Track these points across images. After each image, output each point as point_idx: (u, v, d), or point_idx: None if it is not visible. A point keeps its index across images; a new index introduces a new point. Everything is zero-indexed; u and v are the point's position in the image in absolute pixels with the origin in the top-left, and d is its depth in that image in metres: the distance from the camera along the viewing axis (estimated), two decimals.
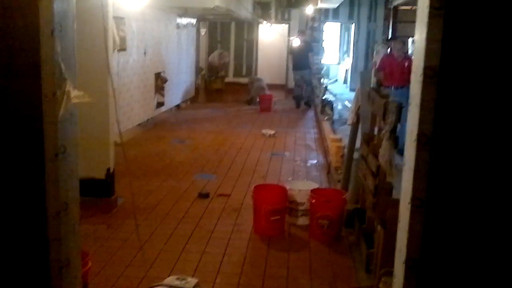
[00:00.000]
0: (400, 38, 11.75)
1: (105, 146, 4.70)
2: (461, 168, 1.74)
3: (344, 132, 7.67)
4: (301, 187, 4.75)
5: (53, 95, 1.80)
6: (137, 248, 4.07)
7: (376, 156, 3.65)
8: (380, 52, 11.42)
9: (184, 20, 11.66)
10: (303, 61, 12.57)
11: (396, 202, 2.15)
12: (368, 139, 4.23)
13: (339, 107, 12.28)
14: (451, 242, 1.76)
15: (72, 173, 1.96)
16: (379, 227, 3.48)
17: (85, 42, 4.49)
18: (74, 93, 1.85)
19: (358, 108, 4.97)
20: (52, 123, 1.81)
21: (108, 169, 4.76)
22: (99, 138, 4.69)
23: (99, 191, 4.73)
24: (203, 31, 15.99)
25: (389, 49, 11.39)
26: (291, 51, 13.26)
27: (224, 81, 15.96)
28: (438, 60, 1.68)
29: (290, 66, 15.77)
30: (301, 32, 13.61)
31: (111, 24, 4.62)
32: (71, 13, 1.87)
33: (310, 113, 11.86)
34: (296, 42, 13.02)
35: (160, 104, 10.01)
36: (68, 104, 1.84)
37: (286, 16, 16.63)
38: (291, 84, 16.09)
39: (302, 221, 4.65)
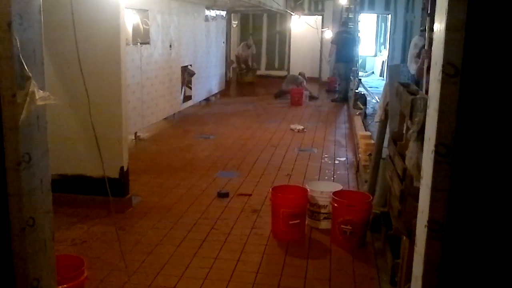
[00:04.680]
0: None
1: (118, 144, 4.50)
2: (488, 186, 1.42)
3: (377, 128, 7.29)
4: (323, 189, 4.45)
5: (12, 97, 1.58)
6: (147, 252, 3.88)
7: (403, 157, 3.33)
8: (418, 45, 10.83)
9: (213, 12, 11.43)
10: (348, 54, 12.22)
11: None
12: (396, 138, 3.90)
13: (374, 101, 11.82)
14: (475, 277, 1.45)
15: (42, 184, 1.74)
16: (404, 237, 3.17)
17: (97, 35, 4.33)
18: (39, 94, 1.63)
19: (387, 105, 4.64)
20: (12, 128, 1.59)
21: (122, 168, 4.57)
22: (112, 135, 4.49)
23: (112, 191, 4.53)
24: (234, 24, 15.75)
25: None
26: (334, 42, 12.77)
27: (256, 74, 15.70)
28: (461, 55, 1.36)
29: (326, 57, 15.45)
30: (342, 24, 13.25)
31: (123, 16, 4.40)
32: (36, 1, 1.64)
33: (343, 108, 11.49)
34: (337, 33, 12.64)
35: (187, 98, 9.84)
36: (32, 107, 1.62)
37: (319, 7, 16.22)
38: (325, 77, 15.69)
39: (325, 225, 4.37)
